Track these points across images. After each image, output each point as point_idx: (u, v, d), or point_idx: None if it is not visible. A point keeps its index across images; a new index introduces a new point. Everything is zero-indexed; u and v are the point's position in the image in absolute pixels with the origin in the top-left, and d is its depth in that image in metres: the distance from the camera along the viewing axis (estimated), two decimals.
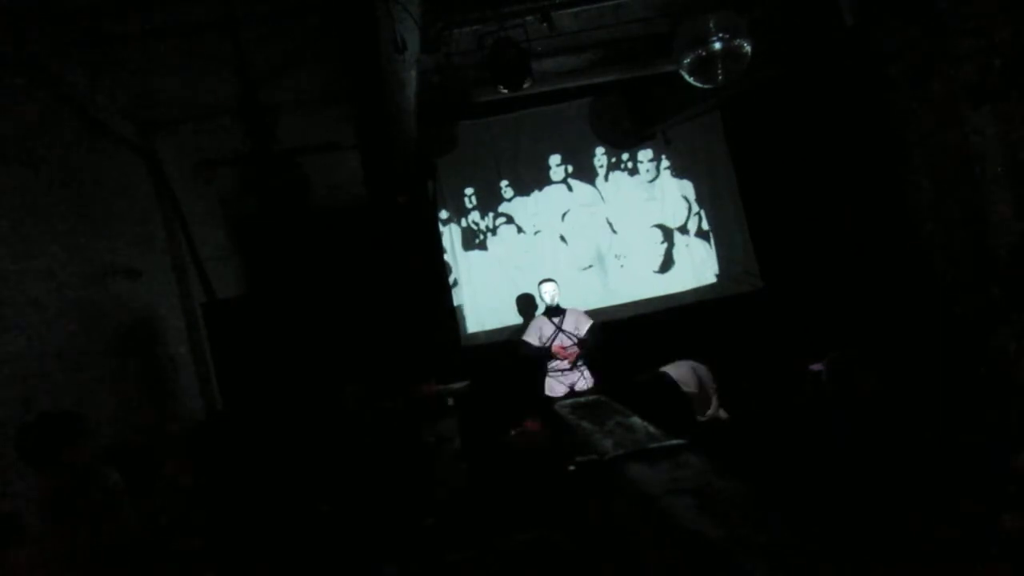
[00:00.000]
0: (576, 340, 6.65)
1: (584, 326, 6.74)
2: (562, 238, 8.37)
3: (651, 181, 8.53)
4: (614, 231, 8.42)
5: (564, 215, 8.38)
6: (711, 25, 5.53)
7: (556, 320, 6.73)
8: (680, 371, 6.34)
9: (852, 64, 7.28)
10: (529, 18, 5.90)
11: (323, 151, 6.76)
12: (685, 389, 6.14)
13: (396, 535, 5.23)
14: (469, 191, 8.31)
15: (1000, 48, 6.07)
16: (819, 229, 7.93)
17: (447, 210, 8.26)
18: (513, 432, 6.56)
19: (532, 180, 8.36)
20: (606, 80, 7.41)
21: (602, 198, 8.43)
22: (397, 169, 6.46)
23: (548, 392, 6.64)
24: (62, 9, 4.34)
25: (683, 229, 8.53)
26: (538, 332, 6.77)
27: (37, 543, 2.92)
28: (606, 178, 8.45)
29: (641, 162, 8.49)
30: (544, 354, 6.67)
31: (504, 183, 8.31)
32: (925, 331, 6.55)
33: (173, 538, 4.20)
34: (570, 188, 8.41)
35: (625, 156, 8.47)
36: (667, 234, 8.50)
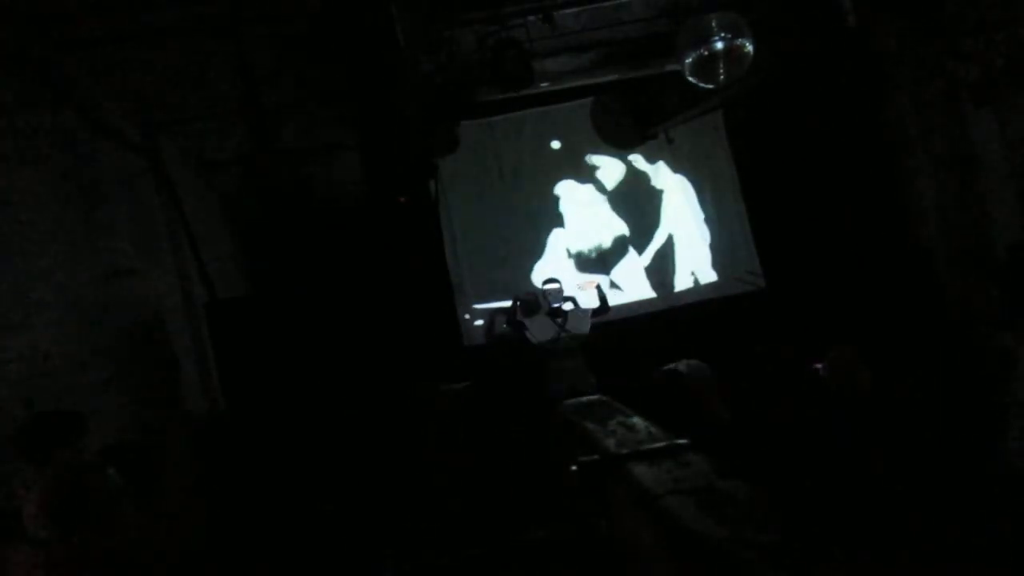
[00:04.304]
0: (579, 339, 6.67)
1: (586, 326, 6.75)
2: (563, 238, 8.37)
3: (653, 181, 8.53)
4: (615, 230, 8.42)
5: (565, 215, 8.38)
6: (713, 25, 5.54)
7: (558, 321, 6.74)
8: (682, 370, 6.34)
9: (854, 64, 7.29)
10: (531, 18, 5.90)
11: (325, 151, 6.77)
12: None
13: (398, 535, 5.23)
14: (471, 190, 8.31)
15: (1001, 48, 6.07)
16: (821, 229, 7.93)
17: (448, 209, 8.26)
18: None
19: (533, 180, 8.36)
20: (608, 80, 7.41)
21: (604, 198, 8.43)
22: (398, 169, 6.47)
23: (550, 393, 6.65)
24: (65, 10, 4.35)
25: (685, 228, 8.53)
26: (540, 332, 6.77)
27: (35, 543, 2.92)
28: (608, 178, 8.45)
29: (643, 162, 8.49)
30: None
31: (505, 183, 8.30)
32: (925, 331, 6.55)
33: (174, 538, 4.21)
34: (571, 188, 8.41)
35: (627, 155, 8.47)
36: (668, 233, 8.50)
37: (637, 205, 8.46)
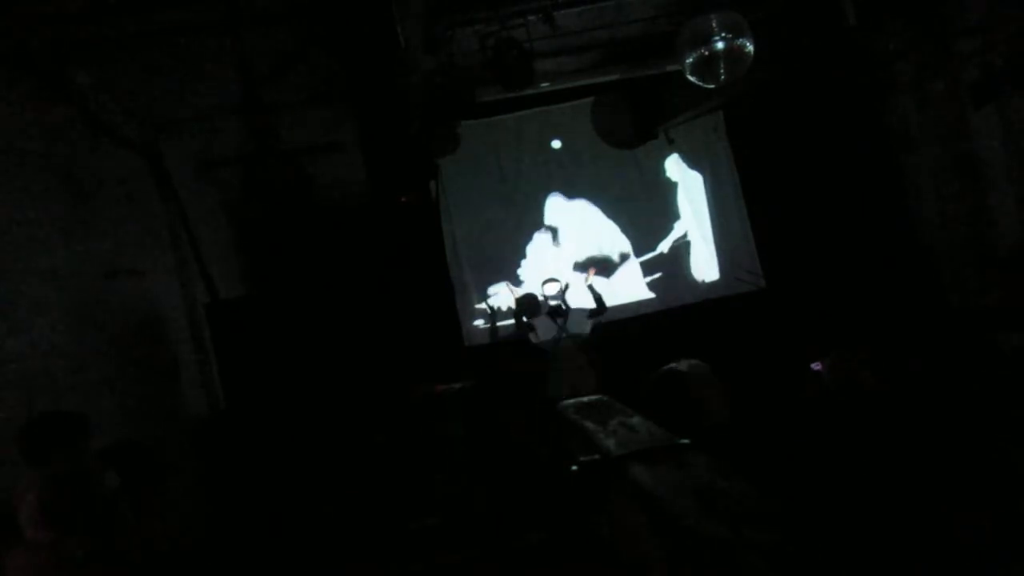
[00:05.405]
0: (580, 340, 6.67)
1: (587, 326, 6.75)
2: (565, 237, 8.37)
3: (653, 181, 8.52)
4: (616, 230, 8.42)
5: (567, 215, 8.38)
6: (714, 24, 5.53)
7: (559, 321, 6.74)
8: (682, 370, 6.33)
9: (855, 64, 7.28)
10: (531, 18, 5.90)
11: (326, 151, 6.77)
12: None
13: (399, 535, 5.23)
14: (471, 190, 8.31)
15: (1001, 48, 6.06)
16: (821, 228, 7.93)
17: (450, 209, 8.26)
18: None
19: (534, 180, 8.36)
20: (608, 80, 7.41)
21: (603, 199, 8.43)
22: (399, 169, 6.47)
23: (550, 392, 6.65)
24: (66, 11, 4.35)
25: (685, 228, 8.53)
26: (541, 332, 6.78)
27: (34, 545, 2.91)
28: (608, 178, 8.44)
29: (643, 162, 8.48)
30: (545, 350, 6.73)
31: (506, 183, 8.30)
32: (926, 331, 6.54)
33: (174, 539, 4.20)
34: (572, 188, 8.41)
35: (627, 156, 8.46)
36: (669, 233, 8.50)
37: (637, 205, 8.46)
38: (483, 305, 8.19)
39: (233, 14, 4.60)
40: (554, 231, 8.39)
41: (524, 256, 8.30)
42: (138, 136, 5.91)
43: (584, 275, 7.22)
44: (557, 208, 8.39)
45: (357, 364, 6.22)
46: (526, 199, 8.35)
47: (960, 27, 6.43)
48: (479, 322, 8.24)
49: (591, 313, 6.83)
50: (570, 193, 8.40)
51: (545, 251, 8.33)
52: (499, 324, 7.64)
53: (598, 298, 6.92)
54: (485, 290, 8.24)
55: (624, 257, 8.41)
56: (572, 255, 8.34)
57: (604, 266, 8.29)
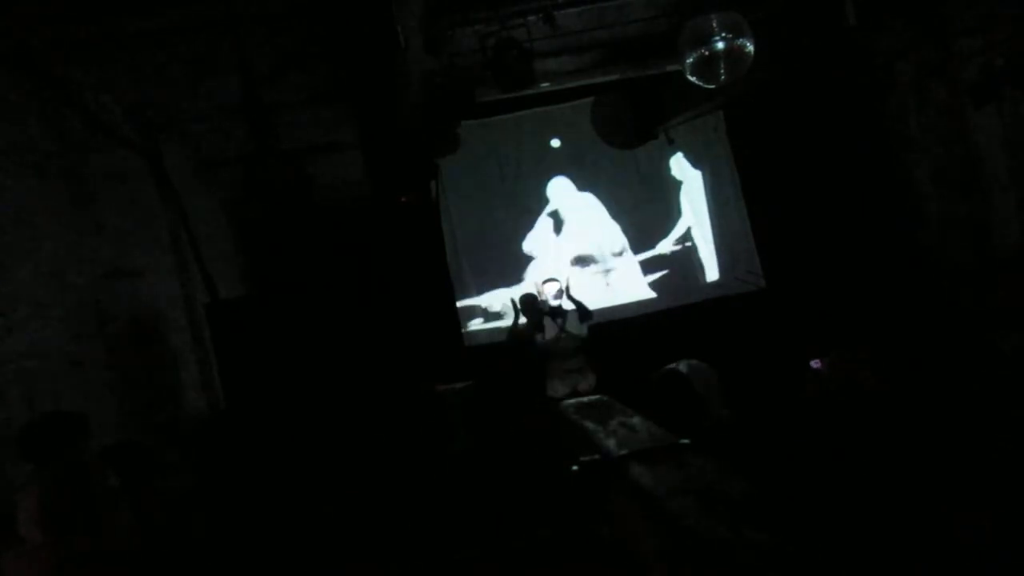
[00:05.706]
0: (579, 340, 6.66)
1: (583, 327, 6.74)
2: (564, 237, 8.37)
3: (653, 181, 8.52)
4: (616, 230, 8.42)
5: (566, 215, 8.38)
6: (714, 24, 5.54)
7: (559, 321, 6.73)
8: (683, 370, 6.33)
9: (854, 64, 7.29)
10: (531, 18, 5.90)
11: (326, 151, 6.77)
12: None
13: (399, 535, 5.23)
14: (471, 190, 8.31)
15: (1001, 48, 6.06)
16: (821, 229, 7.93)
17: (449, 209, 8.26)
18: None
19: (534, 180, 8.36)
20: (609, 80, 7.41)
21: (604, 198, 8.43)
22: (399, 169, 6.46)
23: (550, 393, 6.63)
24: (66, 11, 4.35)
25: (685, 228, 8.53)
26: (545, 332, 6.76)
27: (33, 545, 2.91)
28: (608, 178, 8.44)
29: (643, 162, 8.48)
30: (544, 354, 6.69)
31: (506, 183, 8.30)
32: (925, 331, 6.54)
33: (173, 539, 4.20)
34: (572, 188, 8.41)
35: (627, 156, 8.46)
36: (669, 233, 8.50)
37: (637, 205, 8.46)
38: (484, 304, 8.19)
39: (233, 14, 4.60)
40: (556, 218, 8.37)
41: (524, 255, 8.30)
42: (138, 136, 5.91)
43: (565, 286, 7.07)
44: (561, 193, 8.38)
45: (357, 364, 6.23)
46: (526, 199, 8.35)
47: (960, 27, 6.43)
48: (478, 320, 8.23)
49: (580, 317, 6.80)
50: (569, 193, 8.40)
51: (547, 240, 8.32)
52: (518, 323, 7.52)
53: (579, 304, 6.83)
54: (485, 290, 8.24)
55: (623, 256, 8.41)
56: (572, 251, 8.34)
57: (600, 266, 8.30)
